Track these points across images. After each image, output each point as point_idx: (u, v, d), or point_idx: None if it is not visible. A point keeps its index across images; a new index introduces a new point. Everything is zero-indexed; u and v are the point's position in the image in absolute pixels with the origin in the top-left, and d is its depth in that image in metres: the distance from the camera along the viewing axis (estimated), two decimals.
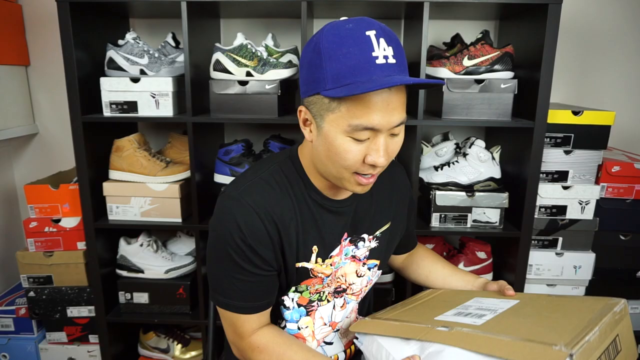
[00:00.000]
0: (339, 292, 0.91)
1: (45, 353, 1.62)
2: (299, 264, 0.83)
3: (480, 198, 1.40)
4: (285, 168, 0.84)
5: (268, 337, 0.82)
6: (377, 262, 0.95)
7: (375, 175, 0.77)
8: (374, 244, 0.93)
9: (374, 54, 0.67)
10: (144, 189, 1.43)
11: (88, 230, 1.43)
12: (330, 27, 0.70)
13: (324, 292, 0.89)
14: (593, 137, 1.40)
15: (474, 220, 1.42)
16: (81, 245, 1.52)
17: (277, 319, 0.90)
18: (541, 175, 1.40)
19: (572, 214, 1.45)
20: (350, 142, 0.71)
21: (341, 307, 0.93)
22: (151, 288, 1.51)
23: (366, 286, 0.96)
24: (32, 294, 1.55)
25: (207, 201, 1.49)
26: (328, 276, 0.87)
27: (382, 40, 0.67)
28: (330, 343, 0.94)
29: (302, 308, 0.89)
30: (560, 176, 1.44)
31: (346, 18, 0.73)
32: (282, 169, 0.84)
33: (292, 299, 0.88)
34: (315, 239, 0.84)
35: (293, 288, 0.87)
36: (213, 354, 1.20)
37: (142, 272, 1.50)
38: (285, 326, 0.89)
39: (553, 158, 1.42)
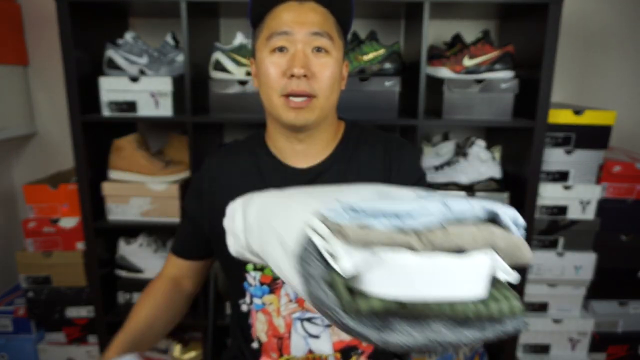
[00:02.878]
0: None
1: (44, 353, 1.61)
2: None
3: (480, 198, 1.39)
4: (255, 135, 0.89)
5: (155, 284, 0.91)
6: None
7: (308, 101, 0.74)
8: None
9: None
10: (143, 189, 1.42)
11: (87, 230, 1.42)
12: None
13: None
14: (594, 137, 1.39)
15: None
16: (80, 245, 1.51)
17: (240, 295, 0.87)
18: (542, 175, 1.40)
19: (573, 214, 1.44)
20: (272, 56, 0.74)
21: None
22: None
23: None
24: (30, 294, 1.54)
25: None
26: None
27: None
28: (317, 336, 0.86)
29: (265, 286, 0.86)
30: (561, 176, 1.43)
31: None
32: (254, 135, 0.89)
33: (255, 277, 0.85)
34: None
35: (251, 265, 0.84)
36: (213, 354, 1.20)
37: (141, 272, 1.49)
38: (251, 302, 0.86)
39: (554, 158, 1.42)
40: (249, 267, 0.85)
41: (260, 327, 0.87)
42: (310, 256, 0.40)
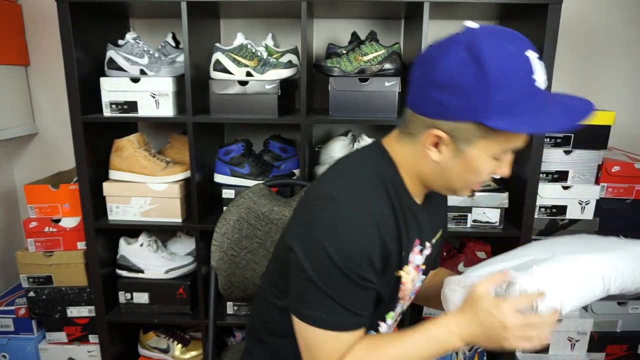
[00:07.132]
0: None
1: (45, 353, 1.62)
2: (400, 273, 0.78)
3: (480, 198, 1.40)
4: (385, 173, 0.76)
5: (363, 347, 0.75)
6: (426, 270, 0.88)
7: None
8: (428, 251, 0.84)
9: (533, 77, 0.64)
10: (144, 189, 1.42)
11: (88, 230, 1.43)
12: (490, 46, 0.63)
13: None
14: (593, 137, 1.39)
15: (474, 220, 1.42)
16: (81, 245, 1.52)
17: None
18: (541, 175, 1.40)
19: (572, 214, 1.45)
20: (492, 162, 0.71)
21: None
22: (151, 288, 1.51)
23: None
24: (32, 294, 1.55)
25: (207, 201, 1.49)
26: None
27: (539, 62, 0.65)
28: None
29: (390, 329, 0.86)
30: (560, 176, 1.44)
31: (487, 26, 0.67)
32: (381, 174, 0.76)
33: (389, 325, 0.85)
34: (411, 244, 0.79)
35: (392, 313, 0.84)
36: (213, 354, 1.20)
37: (142, 272, 1.50)
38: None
39: (553, 158, 1.42)
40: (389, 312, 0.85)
41: None
42: None
